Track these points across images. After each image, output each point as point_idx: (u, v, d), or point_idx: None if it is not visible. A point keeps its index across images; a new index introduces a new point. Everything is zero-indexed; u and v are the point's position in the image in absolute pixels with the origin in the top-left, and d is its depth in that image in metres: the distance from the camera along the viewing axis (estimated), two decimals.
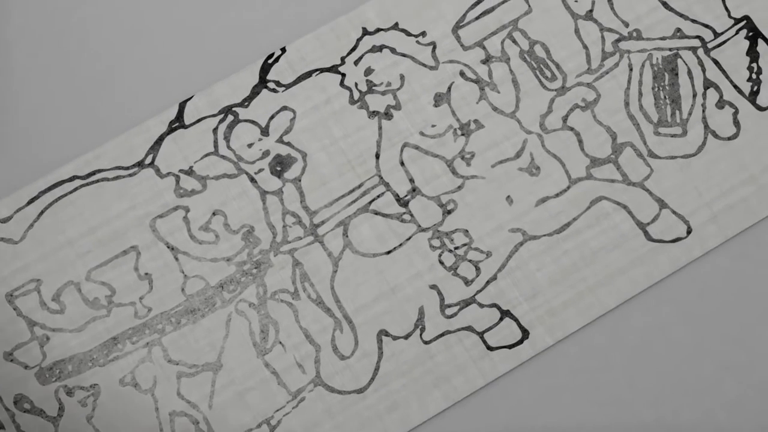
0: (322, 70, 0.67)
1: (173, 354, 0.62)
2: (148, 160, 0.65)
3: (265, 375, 0.62)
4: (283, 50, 0.67)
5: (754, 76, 0.67)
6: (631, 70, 0.67)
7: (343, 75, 0.66)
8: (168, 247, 0.64)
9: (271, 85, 0.66)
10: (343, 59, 0.67)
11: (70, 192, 0.64)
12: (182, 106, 0.66)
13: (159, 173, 0.65)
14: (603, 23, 0.67)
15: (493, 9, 0.68)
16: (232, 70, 0.67)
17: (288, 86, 0.66)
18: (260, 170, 0.65)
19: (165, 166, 0.65)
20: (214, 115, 0.66)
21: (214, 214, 0.64)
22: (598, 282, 0.64)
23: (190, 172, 0.65)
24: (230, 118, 0.66)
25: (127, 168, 0.65)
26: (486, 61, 0.67)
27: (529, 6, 0.68)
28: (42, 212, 0.64)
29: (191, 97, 0.66)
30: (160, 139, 0.65)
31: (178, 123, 0.66)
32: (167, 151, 0.65)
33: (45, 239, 0.64)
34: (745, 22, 0.67)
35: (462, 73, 0.67)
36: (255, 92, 0.66)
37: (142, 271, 0.63)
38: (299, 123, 0.66)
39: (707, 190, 0.65)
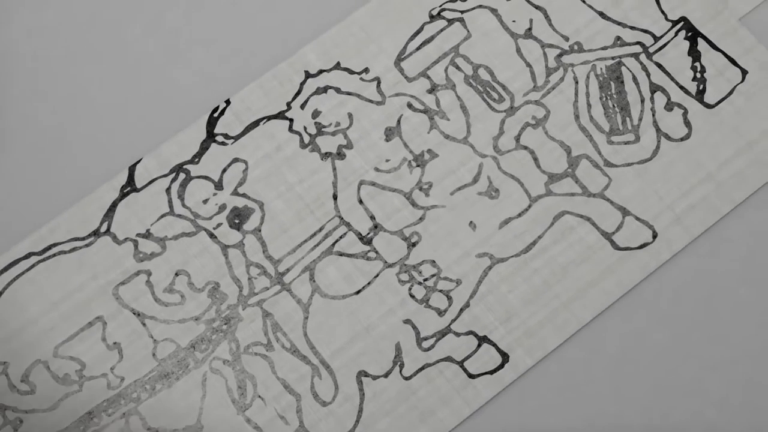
0: (269, 118, 0.68)
1: (152, 421, 0.63)
2: (103, 228, 0.66)
3: (247, 431, 0.63)
4: (228, 102, 0.68)
5: (698, 75, 0.69)
6: (576, 83, 0.69)
7: (291, 120, 0.68)
8: (134, 314, 0.64)
9: (219, 138, 0.68)
10: (288, 104, 0.68)
11: (28, 269, 0.65)
12: (132, 170, 0.67)
13: (116, 240, 0.66)
14: (543, 40, 0.70)
15: (432, 38, 0.70)
16: (179, 128, 0.68)
17: (237, 138, 0.68)
18: (219, 225, 0.66)
19: (121, 232, 0.66)
20: (165, 175, 0.67)
21: (177, 274, 0.65)
22: (571, 297, 0.65)
23: (147, 235, 0.66)
24: (182, 176, 0.67)
25: (83, 238, 0.66)
26: (432, 90, 0.69)
27: (468, 31, 0.70)
28: (0, 294, 0.65)
29: (140, 160, 0.67)
30: (114, 206, 0.66)
31: (129, 187, 0.67)
32: (122, 216, 0.66)
33: (7, 320, 0.64)
34: (682, 23, 0.70)
35: (410, 105, 0.68)
36: (204, 147, 0.67)
37: (110, 341, 0.64)
38: (252, 173, 0.67)
39: (667, 193, 0.67)
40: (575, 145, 0.68)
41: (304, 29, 0.70)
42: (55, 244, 0.65)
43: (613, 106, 0.69)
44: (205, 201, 0.66)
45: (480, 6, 0.70)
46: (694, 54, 0.69)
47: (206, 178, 0.67)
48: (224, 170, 0.67)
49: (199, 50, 0.69)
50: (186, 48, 0.70)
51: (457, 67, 0.69)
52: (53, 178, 0.67)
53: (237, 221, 0.66)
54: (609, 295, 0.65)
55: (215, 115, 0.68)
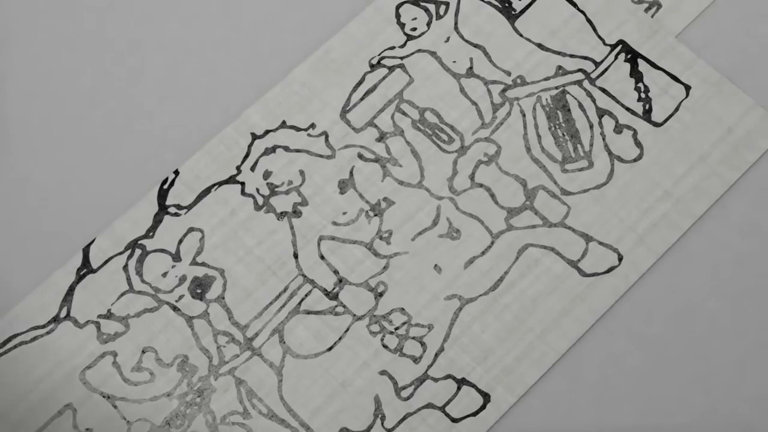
0: (220, 184, 0.69)
1: None
2: (63, 314, 0.66)
3: None
4: (177, 173, 0.69)
5: (643, 95, 0.71)
6: (524, 115, 0.70)
7: (243, 183, 0.69)
8: (104, 397, 0.64)
9: (172, 209, 0.68)
10: (238, 168, 0.69)
11: None
12: (86, 251, 0.67)
13: (77, 324, 0.66)
14: (485, 77, 0.71)
15: (375, 87, 0.71)
16: (130, 204, 0.68)
17: (189, 207, 0.68)
18: (181, 297, 0.66)
19: (82, 315, 0.66)
20: (120, 253, 0.67)
21: (143, 351, 0.65)
22: (545, 329, 0.66)
23: (109, 315, 0.66)
24: (138, 251, 0.67)
25: (44, 326, 0.65)
26: (381, 138, 0.70)
27: (410, 76, 0.71)
28: None
29: (93, 240, 0.67)
30: (71, 290, 0.66)
31: (85, 269, 0.67)
32: (81, 299, 0.66)
33: None
34: (621, 46, 0.72)
35: (360, 156, 0.69)
36: (158, 220, 0.68)
37: (82, 428, 0.64)
38: (209, 241, 0.68)
39: (627, 215, 0.68)
40: (530, 177, 0.69)
41: (246, 91, 0.71)
42: (15, 335, 0.65)
43: (563, 134, 0.70)
44: (165, 274, 0.67)
45: (419, 50, 0.72)
46: (636, 75, 0.71)
47: (163, 251, 0.67)
48: (180, 241, 0.67)
49: (143, 122, 0.70)
50: (129, 121, 0.70)
51: (404, 113, 0.71)
52: (7, 267, 0.67)
53: (199, 291, 0.66)
54: (583, 323, 0.66)
55: (165, 186, 0.69)
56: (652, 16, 0.73)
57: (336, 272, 0.67)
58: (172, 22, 0.73)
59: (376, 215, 0.68)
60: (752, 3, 0.73)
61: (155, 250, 0.67)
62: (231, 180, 0.69)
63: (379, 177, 0.69)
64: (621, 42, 0.72)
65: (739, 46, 0.72)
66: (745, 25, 0.73)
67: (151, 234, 0.68)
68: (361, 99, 0.71)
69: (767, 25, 0.73)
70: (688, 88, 0.71)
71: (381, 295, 0.67)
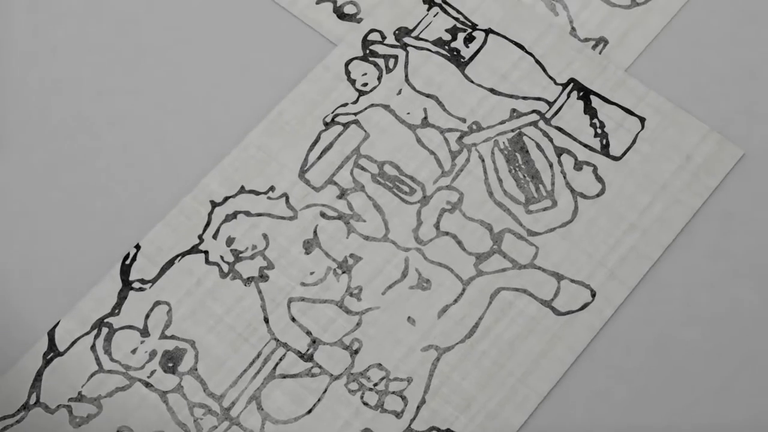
0: (183, 255, 0.69)
1: None
2: (32, 400, 0.65)
3: None
4: (138, 247, 0.69)
5: (599, 130, 0.73)
6: (483, 160, 0.72)
7: (206, 252, 0.69)
8: None
9: (136, 285, 0.68)
10: (200, 237, 0.69)
11: None
12: (52, 335, 0.67)
13: (48, 410, 0.65)
14: (441, 125, 0.72)
15: (331, 145, 0.72)
16: (93, 283, 0.68)
17: (154, 281, 0.68)
18: (152, 372, 0.66)
19: (52, 400, 0.65)
20: (87, 333, 0.67)
21: (118, 431, 0.65)
22: (526, 371, 0.66)
23: (80, 398, 0.65)
24: (105, 330, 0.67)
25: (13, 415, 0.65)
26: (342, 195, 0.71)
27: (365, 131, 0.72)
28: None
29: (58, 323, 0.67)
30: (39, 375, 0.66)
31: (52, 353, 0.66)
32: (50, 384, 0.66)
33: None
34: (572, 84, 0.74)
35: (323, 214, 0.70)
36: (122, 297, 0.68)
37: None
38: (177, 313, 0.68)
39: (596, 250, 0.69)
40: (495, 221, 0.70)
41: (202, 160, 0.72)
42: None
43: (524, 176, 0.71)
44: (134, 351, 0.66)
45: (372, 105, 0.73)
46: (591, 111, 0.73)
47: (130, 327, 0.67)
48: (147, 316, 0.67)
49: (100, 199, 0.71)
50: (86, 199, 0.71)
51: (362, 168, 0.71)
52: None
53: (171, 365, 0.66)
54: (563, 363, 0.67)
55: (127, 262, 0.69)
56: (600, 53, 0.75)
57: (309, 333, 0.67)
58: (123, 96, 0.74)
59: (344, 272, 0.69)
60: (695, 33, 0.75)
61: (122, 327, 0.67)
62: (194, 250, 0.69)
63: (343, 234, 0.70)
64: (572, 80, 0.74)
65: (687, 75, 0.74)
66: (691, 55, 0.75)
67: (116, 311, 0.67)
68: (319, 158, 0.72)
69: (712, 54, 0.75)
70: (642, 120, 0.73)
71: (356, 352, 0.67)
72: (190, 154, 0.72)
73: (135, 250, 0.69)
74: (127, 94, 0.74)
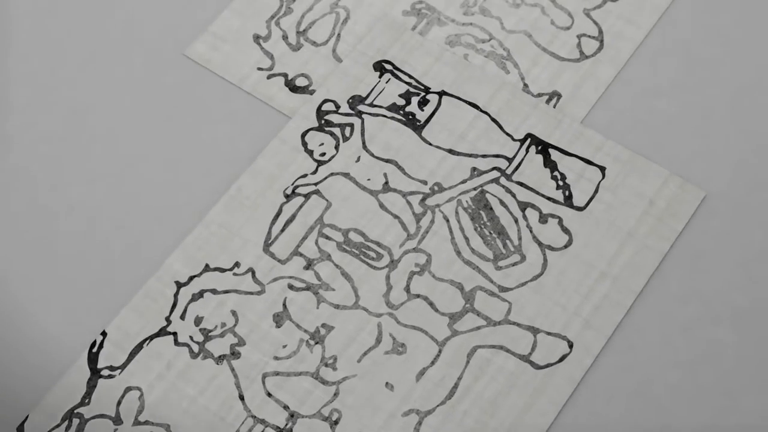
0: (151, 338, 0.68)
1: None
2: None
3: None
4: (104, 334, 0.68)
5: (560, 182, 0.73)
6: (447, 221, 0.72)
7: (175, 334, 0.68)
8: None
9: (105, 372, 0.67)
10: (168, 319, 0.69)
11: None
12: (21, 430, 0.65)
13: None
14: (403, 189, 0.73)
15: (294, 216, 0.72)
16: (60, 374, 0.67)
17: (123, 366, 0.67)
18: None
19: None
20: (58, 425, 0.66)
21: None
22: (509, 428, 0.66)
23: None
24: (76, 421, 0.66)
25: None
26: (308, 266, 0.71)
27: (327, 200, 0.73)
28: None
29: (27, 417, 0.66)
30: None
31: None
32: None
33: None
34: (530, 139, 0.75)
35: (291, 286, 0.70)
36: (92, 386, 0.67)
37: None
38: (149, 398, 0.67)
39: (569, 301, 0.70)
40: (465, 279, 0.70)
41: (164, 241, 0.72)
42: None
43: (490, 233, 0.72)
44: None
45: (332, 174, 0.73)
46: (550, 164, 0.74)
47: (102, 416, 0.66)
48: (119, 403, 0.66)
49: (63, 286, 0.70)
50: (48, 289, 0.70)
51: (327, 237, 0.71)
52: None
53: None
54: (546, 416, 0.67)
55: (94, 350, 0.68)
56: (554, 107, 0.76)
57: (286, 407, 0.66)
58: (80, 183, 0.74)
59: (317, 343, 0.68)
60: (645, 82, 0.77)
61: (94, 417, 0.66)
62: (162, 332, 0.68)
63: (313, 304, 0.69)
64: (529, 135, 0.75)
65: (642, 122, 0.76)
66: (644, 103, 0.76)
67: (86, 401, 0.66)
68: (282, 230, 0.72)
69: (664, 100, 0.76)
70: (603, 169, 0.74)
71: (336, 423, 0.66)
72: (152, 236, 0.72)
73: (102, 337, 0.68)
74: (83, 181, 0.74)
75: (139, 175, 0.74)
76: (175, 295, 0.70)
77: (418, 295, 0.70)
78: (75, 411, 0.66)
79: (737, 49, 0.78)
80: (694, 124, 0.76)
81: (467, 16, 0.79)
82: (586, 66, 0.78)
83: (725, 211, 0.73)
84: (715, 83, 0.77)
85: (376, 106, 0.76)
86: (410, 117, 0.76)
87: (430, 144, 0.75)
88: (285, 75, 0.78)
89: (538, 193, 0.73)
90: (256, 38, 0.79)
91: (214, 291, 0.70)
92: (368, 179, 0.74)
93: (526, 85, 0.77)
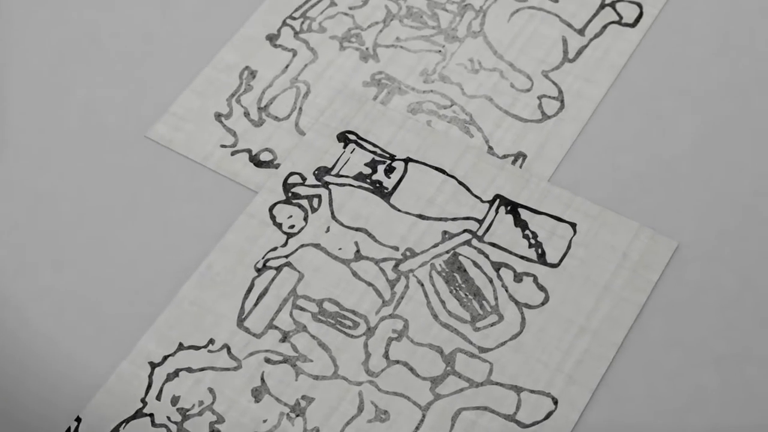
0: (127, 421, 0.67)
1: None
2: None
3: None
4: (78, 420, 0.67)
5: (533, 241, 0.74)
6: (422, 285, 0.72)
7: (151, 415, 0.67)
8: None
9: None
10: (143, 401, 0.68)
11: None
12: None
13: None
14: (375, 256, 0.73)
15: (267, 290, 0.72)
16: None
17: None
18: None
19: None
20: None
21: None
22: None
23: None
24: None
25: None
26: (284, 338, 0.70)
27: (299, 272, 0.72)
28: None
29: None
30: None
31: None
32: None
33: None
34: (498, 200, 0.75)
35: (267, 360, 0.69)
36: None
37: None
38: None
39: (550, 358, 0.69)
40: (444, 342, 0.70)
41: (136, 322, 0.71)
42: None
43: (466, 294, 0.72)
44: None
45: (302, 246, 0.73)
46: (521, 223, 0.74)
47: None
48: None
49: (35, 372, 0.69)
50: (21, 374, 0.69)
51: (302, 309, 0.71)
52: None
53: None
54: None
55: None
56: (521, 167, 0.77)
57: None
58: (47, 269, 0.73)
59: (298, 416, 0.67)
60: (608, 137, 0.78)
61: None
62: (138, 414, 0.67)
63: (292, 377, 0.69)
64: (498, 196, 0.75)
65: (609, 177, 0.76)
66: (609, 158, 0.77)
67: None
68: (255, 304, 0.71)
69: (629, 154, 0.77)
70: (573, 225, 0.74)
71: None
72: (123, 318, 0.71)
73: (76, 423, 0.67)
74: (50, 267, 0.73)
75: (107, 259, 0.73)
76: (150, 376, 0.69)
77: (397, 361, 0.69)
78: None
79: (694, 101, 0.80)
80: (660, 177, 0.77)
81: (427, 84, 0.80)
82: (549, 126, 0.79)
83: (698, 260, 0.73)
84: (676, 136, 0.78)
85: (342, 176, 0.76)
86: (377, 185, 0.76)
87: (400, 210, 0.75)
88: (249, 151, 0.78)
89: (511, 252, 0.73)
90: (218, 116, 0.80)
91: (189, 369, 0.69)
92: (339, 248, 0.74)
93: (490, 148, 0.78)
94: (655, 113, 0.79)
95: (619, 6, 0.84)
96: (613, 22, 0.84)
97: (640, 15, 0.84)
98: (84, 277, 0.73)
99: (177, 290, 0.72)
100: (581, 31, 0.83)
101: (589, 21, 0.84)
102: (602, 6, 0.84)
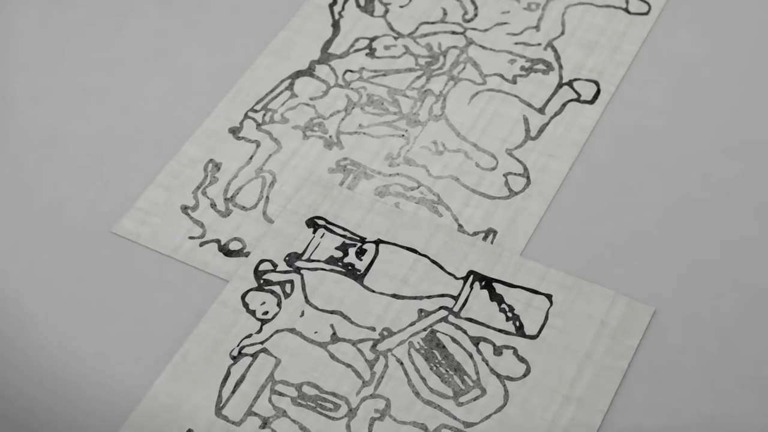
0: None
1: None
2: None
3: None
4: None
5: (510, 314, 0.74)
6: (401, 363, 0.71)
7: None
8: None
9: None
10: None
11: None
12: None
13: None
14: (352, 338, 0.72)
15: (243, 377, 0.71)
16: None
17: None
18: None
19: None
20: None
21: None
22: None
23: None
24: None
25: None
26: (264, 424, 0.69)
27: (276, 357, 0.72)
28: None
29: None
30: None
31: None
32: None
33: None
34: (472, 276, 0.75)
35: None
36: None
37: None
38: None
39: (536, 428, 0.69)
40: (428, 419, 0.69)
41: (109, 416, 0.69)
42: None
43: (446, 370, 0.71)
44: None
45: (277, 331, 0.73)
46: (497, 298, 0.74)
47: None
48: None
49: None
50: None
51: (280, 394, 0.70)
52: None
53: None
54: None
55: None
56: (492, 243, 0.77)
57: None
58: (15, 374, 0.72)
59: None
60: (577, 209, 0.79)
61: None
62: None
63: None
64: (471, 272, 0.76)
65: (580, 247, 0.77)
66: (579, 229, 0.78)
67: None
68: (233, 392, 0.70)
69: (597, 225, 0.78)
70: (549, 296, 0.74)
71: None
72: (97, 416, 0.70)
73: None
74: (18, 369, 0.72)
75: (78, 356, 0.72)
76: None
77: None
78: None
79: (658, 171, 0.81)
80: (631, 245, 0.77)
81: (393, 167, 0.81)
82: (516, 201, 0.80)
83: (676, 324, 0.74)
84: (643, 205, 0.79)
85: (313, 260, 0.76)
86: (350, 267, 0.76)
87: (374, 291, 0.75)
88: (218, 241, 0.78)
89: (488, 326, 0.73)
90: (184, 209, 0.80)
91: None
92: (315, 332, 0.73)
93: (460, 226, 0.78)
94: (620, 184, 0.80)
95: (576, 84, 0.86)
96: (572, 100, 0.85)
97: (598, 92, 0.86)
98: (51, 378, 0.72)
99: (151, 383, 0.71)
100: (541, 110, 0.85)
101: (548, 100, 0.85)
102: (560, 85, 0.86)
